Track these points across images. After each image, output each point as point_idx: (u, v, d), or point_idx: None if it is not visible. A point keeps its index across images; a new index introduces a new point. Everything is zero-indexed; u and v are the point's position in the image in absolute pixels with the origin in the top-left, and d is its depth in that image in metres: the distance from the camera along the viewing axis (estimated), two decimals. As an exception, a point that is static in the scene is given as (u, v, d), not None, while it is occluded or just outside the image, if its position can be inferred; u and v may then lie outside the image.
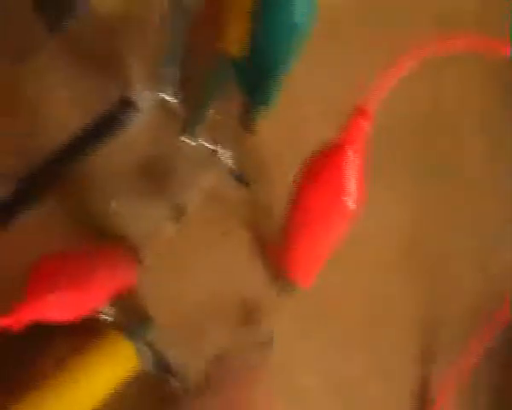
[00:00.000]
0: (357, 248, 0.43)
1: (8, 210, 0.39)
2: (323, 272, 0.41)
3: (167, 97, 0.43)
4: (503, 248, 0.48)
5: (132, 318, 0.41)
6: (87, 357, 0.38)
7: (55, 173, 0.41)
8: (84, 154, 0.41)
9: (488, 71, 0.48)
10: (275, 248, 0.43)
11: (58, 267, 0.35)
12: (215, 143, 0.43)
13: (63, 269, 0.35)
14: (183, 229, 0.43)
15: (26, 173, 0.40)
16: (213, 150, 0.43)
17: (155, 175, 0.44)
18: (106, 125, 0.41)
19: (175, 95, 0.43)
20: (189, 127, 0.43)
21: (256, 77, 0.40)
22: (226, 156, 0.43)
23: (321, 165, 0.35)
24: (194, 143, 0.43)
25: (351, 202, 0.35)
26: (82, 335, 0.39)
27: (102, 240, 0.42)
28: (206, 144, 0.43)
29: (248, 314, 0.44)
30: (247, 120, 0.43)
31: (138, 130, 0.43)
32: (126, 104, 0.41)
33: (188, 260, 0.43)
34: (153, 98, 0.43)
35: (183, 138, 0.43)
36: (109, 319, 0.40)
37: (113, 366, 0.39)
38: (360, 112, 0.33)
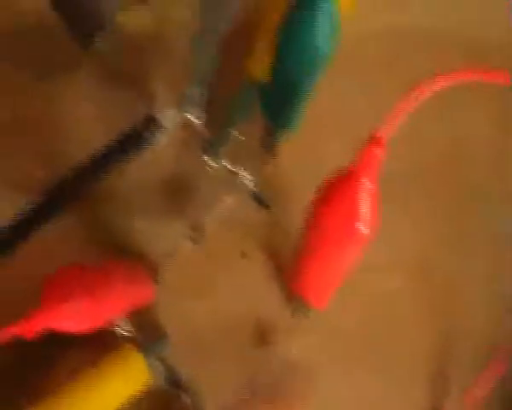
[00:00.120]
0: (370, 273, 0.43)
1: (30, 224, 0.40)
2: (336, 295, 0.41)
3: (192, 117, 0.43)
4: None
5: (148, 333, 0.42)
6: (100, 369, 0.39)
7: (78, 188, 0.42)
8: (107, 170, 0.42)
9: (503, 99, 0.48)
10: (290, 270, 0.43)
11: (74, 278, 0.36)
12: (237, 164, 0.44)
13: (79, 280, 0.36)
14: (201, 248, 0.44)
15: (49, 187, 0.40)
16: (235, 172, 0.44)
17: (176, 194, 0.45)
18: (129, 143, 0.42)
19: (200, 115, 0.43)
20: (211, 148, 0.44)
21: (278, 101, 0.41)
22: (247, 178, 0.44)
23: (335, 190, 0.35)
24: (216, 164, 0.44)
25: (363, 228, 0.35)
26: (96, 347, 0.40)
27: (122, 255, 0.43)
28: (228, 166, 0.44)
29: (263, 335, 0.44)
30: (269, 143, 0.44)
31: (162, 148, 0.44)
32: (151, 122, 0.42)
33: (205, 280, 0.44)
34: (178, 117, 0.43)
35: (205, 159, 0.44)
36: (124, 333, 0.41)
37: (126, 379, 0.39)
38: (374, 140, 0.33)
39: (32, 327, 0.33)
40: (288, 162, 0.45)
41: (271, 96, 0.41)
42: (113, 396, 0.39)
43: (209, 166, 0.44)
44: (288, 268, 0.44)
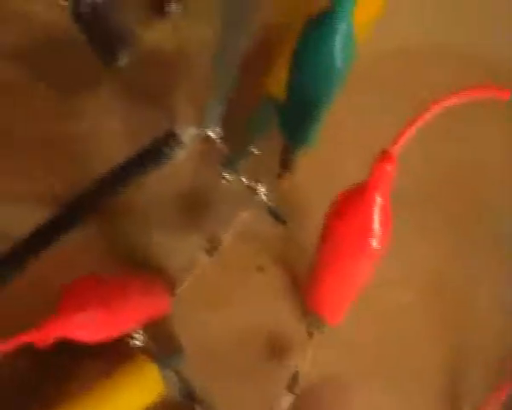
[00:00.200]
0: (383, 288, 0.43)
1: (48, 235, 0.41)
2: (350, 310, 0.41)
3: (211, 133, 0.44)
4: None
5: (163, 345, 0.42)
6: (114, 380, 0.39)
7: (97, 201, 0.42)
8: (126, 183, 0.43)
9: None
10: (305, 285, 0.43)
11: (91, 288, 0.37)
12: (254, 179, 0.44)
13: (96, 290, 0.37)
14: (217, 262, 0.44)
15: (69, 200, 0.41)
16: (252, 187, 0.44)
17: (194, 208, 0.45)
18: (149, 157, 0.43)
19: (218, 131, 0.44)
20: (229, 163, 0.44)
21: (295, 117, 0.41)
22: (264, 193, 0.44)
23: (347, 205, 0.35)
24: (233, 179, 0.44)
25: (375, 243, 0.35)
26: (111, 358, 0.40)
27: (139, 268, 0.44)
28: (245, 181, 0.44)
29: (277, 349, 0.44)
30: (286, 159, 0.44)
31: (181, 162, 0.45)
32: (170, 137, 0.42)
33: (220, 293, 0.44)
34: (197, 133, 0.44)
35: (223, 173, 0.44)
36: (140, 344, 0.41)
37: (140, 390, 0.40)
38: (385, 156, 0.33)
39: (46, 335, 0.34)
40: (305, 178, 0.46)
41: (288, 112, 0.41)
42: (126, 407, 0.39)
43: (227, 180, 0.44)
44: (303, 283, 0.44)
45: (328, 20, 0.35)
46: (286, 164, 0.44)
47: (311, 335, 0.44)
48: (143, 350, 0.41)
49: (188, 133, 0.43)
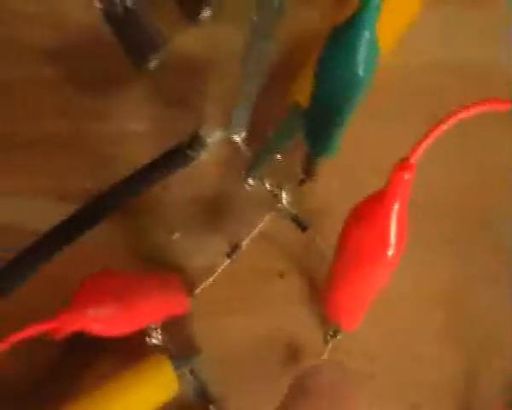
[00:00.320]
0: (397, 303, 0.44)
1: (70, 230, 0.41)
2: (363, 327, 0.42)
3: (236, 138, 0.45)
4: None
5: (180, 345, 0.43)
6: (129, 376, 0.40)
7: (120, 200, 0.43)
8: (149, 184, 0.43)
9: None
10: (323, 292, 0.44)
11: (108, 283, 0.37)
12: (276, 185, 0.45)
13: (112, 285, 0.37)
14: (237, 266, 0.45)
15: (92, 198, 0.42)
16: (274, 192, 0.45)
17: (216, 210, 0.46)
18: (173, 159, 0.43)
19: (243, 136, 0.45)
20: (253, 168, 0.45)
21: (317, 126, 0.41)
22: (286, 199, 0.44)
23: (365, 213, 0.36)
24: (256, 184, 0.45)
25: (392, 251, 0.35)
26: (128, 355, 0.41)
27: (158, 266, 0.45)
28: (268, 186, 0.45)
29: (295, 355, 0.44)
30: (308, 167, 0.44)
31: (205, 165, 0.45)
32: (196, 140, 0.43)
33: (239, 297, 0.45)
34: (222, 137, 0.44)
35: (246, 178, 0.45)
36: (157, 342, 0.42)
37: (155, 387, 0.40)
38: (403, 165, 0.33)
39: (61, 326, 0.34)
40: (326, 184, 0.46)
41: (311, 120, 0.42)
42: (140, 404, 0.40)
43: (250, 185, 0.45)
44: (321, 289, 0.44)
45: (351, 29, 0.35)
46: (308, 171, 0.45)
47: (326, 341, 0.44)
48: (160, 349, 0.42)
49: (213, 137, 0.44)
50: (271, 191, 0.45)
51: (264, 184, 0.45)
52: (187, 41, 0.48)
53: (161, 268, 0.45)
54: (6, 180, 0.46)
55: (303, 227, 0.45)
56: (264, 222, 0.45)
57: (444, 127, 0.33)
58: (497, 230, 0.47)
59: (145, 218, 0.46)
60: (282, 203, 0.45)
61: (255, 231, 0.44)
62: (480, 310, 0.46)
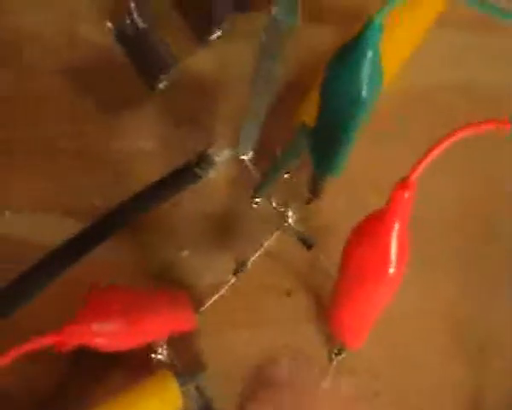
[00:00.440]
0: (398, 325, 0.45)
1: (77, 247, 0.42)
2: (367, 344, 0.42)
3: (244, 157, 0.45)
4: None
5: (186, 361, 0.43)
6: (134, 392, 0.40)
7: (128, 217, 0.44)
8: (157, 200, 0.44)
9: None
10: (327, 310, 0.44)
11: (114, 298, 0.38)
12: (283, 204, 0.45)
13: (118, 300, 0.38)
14: (244, 283, 0.45)
15: (100, 214, 0.43)
16: (281, 211, 0.45)
17: (223, 228, 0.46)
18: (181, 177, 0.44)
19: (251, 155, 0.45)
20: (260, 187, 0.45)
21: (322, 145, 0.42)
22: (292, 218, 0.45)
23: (366, 232, 0.36)
24: (263, 202, 0.45)
25: (394, 270, 0.35)
26: (134, 370, 0.41)
27: (166, 283, 0.45)
28: (275, 205, 0.45)
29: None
30: (314, 186, 0.45)
31: (213, 184, 0.46)
32: (204, 159, 0.44)
33: (245, 314, 0.45)
34: (230, 156, 0.45)
35: (253, 196, 0.45)
36: (162, 358, 0.42)
37: (159, 404, 0.41)
38: (404, 183, 0.34)
39: (65, 340, 0.35)
40: (332, 203, 0.46)
41: (316, 140, 0.42)
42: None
43: (257, 203, 0.45)
44: (326, 308, 0.45)
45: (355, 48, 0.36)
46: (314, 190, 0.45)
47: (331, 359, 0.44)
48: (166, 365, 0.42)
49: (221, 156, 0.45)
50: (278, 209, 0.45)
51: (271, 203, 0.45)
52: (197, 61, 0.49)
53: (169, 285, 0.45)
54: (14, 195, 0.47)
55: (308, 245, 0.45)
56: (271, 240, 0.45)
57: (443, 146, 0.33)
58: (503, 243, 0.47)
59: (154, 235, 0.46)
60: (288, 221, 0.45)
61: (262, 249, 0.45)
62: (487, 328, 0.46)
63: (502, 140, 0.44)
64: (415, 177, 0.34)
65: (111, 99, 0.49)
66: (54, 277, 0.41)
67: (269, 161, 0.45)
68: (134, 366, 0.42)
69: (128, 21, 0.47)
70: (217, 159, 0.44)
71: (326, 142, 0.41)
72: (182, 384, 0.41)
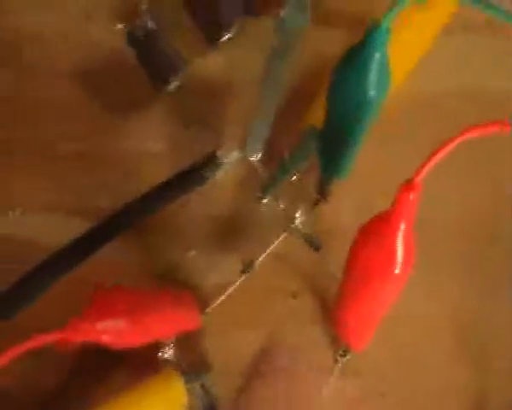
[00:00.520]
0: (404, 326, 0.45)
1: (83, 247, 0.42)
2: (372, 346, 0.42)
3: (252, 158, 0.45)
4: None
5: (191, 360, 0.44)
6: (139, 390, 0.40)
7: (134, 218, 0.44)
8: (164, 201, 0.44)
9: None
10: (332, 312, 0.44)
11: (119, 297, 0.38)
12: (291, 205, 0.45)
13: (123, 299, 0.38)
14: (250, 284, 0.45)
15: (106, 215, 0.43)
16: (288, 213, 0.45)
17: (230, 229, 0.47)
18: (189, 177, 0.44)
19: (260, 156, 0.45)
20: (268, 188, 0.45)
21: (330, 147, 0.42)
22: (299, 220, 0.45)
23: (371, 233, 0.36)
24: (270, 204, 0.45)
25: (399, 271, 0.36)
26: (139, 369, 0.42)
27: (172, 283, 0.45)
28: (283, 206, 0.45)
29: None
30: (322, 188, 0.45)
31: (221, 185, 0.46)
32: (211, 160, 0.44)
33: (251, 315, 0.46)
34: (238, 158, 0.45)
35: (261, 198, 0.45)
36: (168, 357, 0.42)
37: (164, 403, 0.41)
38: (409, 185, 0.34)
39: (69, 337, 0.35)
40: (339, 205, 0.46)
41: (324, 142, 0.42)
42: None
43: (264, 205, 0.45)
44: (331, 309, 0.45)
45: (362, 50, 0.36)
46: (322, 192, 0.45)
47: (336, 360, 0.44)
48: (171, 363, 0.42)
49: (229, 157, 0.45)
50: (285, 211, 0.45)
51: (278, 204, 0.45)
52: (206, 63, 0.49)
53: (175, 285, 0.46)
54: (17, 196, 0.48)
55: (315, 247, 0.45)
56: (278, 242, 0.45)
57: (448, 149, 0.33)
58: (507, 245, 0.47)
59: (160, 235, 0.46)
60: (295, 223, 0.45)
61: (268, 251, 0.45)
62: (491, 329, 0.46)
63: (506, 143, 0.45)
64: (419, 179, 0.34)
65: (118, 100, 0.49)
66: (58, 277, 0.42)
67: (276, 164, 0.46)
68: (139, 364, 0.42)
69: (139, 23, 0.47)
70: (224, 160, 0.44)
71: (333, 144, 0.41)
72: (187, 383, 0.41)
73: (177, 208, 0.46)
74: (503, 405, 0.45)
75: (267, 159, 0.46)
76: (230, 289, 0.45)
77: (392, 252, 0.35)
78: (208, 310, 0.45)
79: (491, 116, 0.48)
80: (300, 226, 0.45)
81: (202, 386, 0.43)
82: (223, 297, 0.45)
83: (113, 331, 0.36)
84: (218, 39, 0.49)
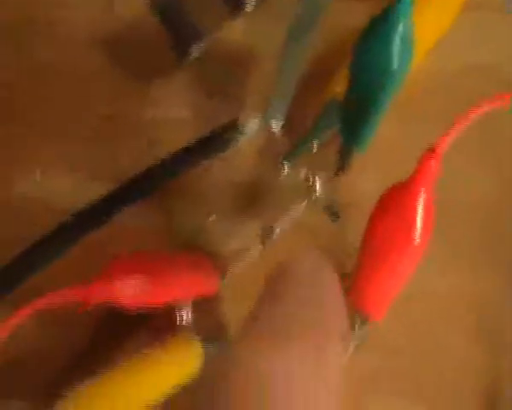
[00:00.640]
0: (418, 302, 0.45)
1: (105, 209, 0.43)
2: (389, 321, 0.42)
3: (274, 126, 0.46)
4: None
5: (209, 325, 0.44)
6: (157, 352, 0.41)
7: (156, 181, 0.44)
8: (186, 166, 0.44)
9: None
10: (350, 281, 0.44)
11: (138, 259, 0.39)
12: (311, 174, 0.45)
13: (143, 261, 0.39)
14: (267, 253, 0.45)
15: (128, 178, 0.43)
16: (309, 181, 0.45)
17: (250, 196, 0.47)
18: (211, 143, 0.44)
19: (281, 125, 0.46)
20: (289, 157, 0.45)
21: (352, 118, 0.42)
22: (320, 189, 0.45)
23: (392, 201, 0.36)
24: (291, 173, 0.45)
25: (419, 239, 0.36)
26: (159, 332, 0.42)
27: (191, 247, 0.46)
28: (303, 174, 0.45)
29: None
30: (342, 160, 0.45)
31: (242, 152, 0.46)
32: (233, 127, 0.44)
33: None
34: (260, 125, 0.45)
35: (281, 167, 0.46)
36: (186, 322, 0.43)
37: (181, 364, 0.41)
38: (430, 153, 0.34)
39: (89, 295, 0.35)
40: (359, 178, 0.46)
41: (345, 112, 0.42)
42: (166, 380, 0.41)
43: (285, 173, 0.46)
44: (349, 279, 0.45)
45: (385, 21, 0.36)
46: (342, 164, 0.45)
47: (353, 331, 0.44)
48: (190, 328, 0.43)
49: (251, 124, 0.45)
50: (305, 181, 0.45)
51: (298, 174, 0.45)
52: (230, 32, 0.49)
53: (195, 250, 0.46)
54: (41, 158, 0.48)
55: (334, 217, 0.46)
56: (297, 210, 0.45)
57: (470, 119, 0.34)
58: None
59: (181, 201, 0.47)
60: (315, 193, 0.45)
61: (287, 219, 0.45)
62: (510, 311, 0.46)
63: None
64: (442, 147, 0.34)
65: (142, 68, 0.49)
66: (77, 240, 0.42)
67: (298, 134, 0.46)
68: (158, 328, 0.42)
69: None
70: (246, 127, 0.45)
71: (355, 115, 0.41)
72: (204, 347, 0.41)
73: (200, 174, 0.46)
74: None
75: (289, 128, 0.46)
76: (249, 256, 0.45)
77: (413, 220, 0.36)
78: (227, 276, 0.45)
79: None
80: (320, 196, 0.45)
81: (219, 350, 0.43)
82: (242, 263, 0.45)
83: (131, 293, 0.37)
84: (242, 8, 0.49)
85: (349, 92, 0.41)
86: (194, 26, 0.48)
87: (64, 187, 0.47)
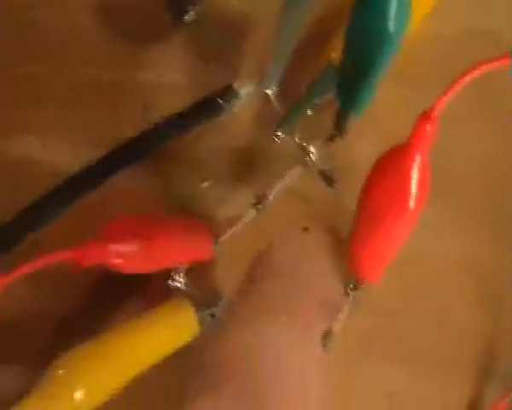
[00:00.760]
0: (414, 266, 0.45)
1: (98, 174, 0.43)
2: (385, 283, 0.42)
3: (269, 92, 0.45)
4: None
5: (202, 290, 0.44)
6: (151, 316, 0.41)
7: (150, 145, 0.44)
8: (180, 131, 0.44)
9: None
10: (346, 246, 0.44)
11: (132, 222, 0.38)
12: (306, 140, 0.45)
13: (136, 225, 0.38)
14: (262, 218, 0.45)
15: (121, 142, 0.43)
16: (304, 147, 0.45)
17: (245, 163, 0.47)
18: (205, 108, 0.44)
19: (276, 90, 0.45)
20: (283, 122, 0.45)
21: (348, 81, 0.41)
22: (315, 154, 0.45)
23: (387, 165, 0.36)
24: (286, 138, 0.45)
25: (414, 204, 0.36)
26: (154, 296, 0.42)
27: (185, 212, 0.46)
28: (298, 140, 0.45)
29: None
30: (338, 124, 0.45)
31: (237, 118, 0.46)
32: (228, 91, 0.44)
33: (262, 247, 0.45)
34: (255, 90, 0.45)
35: (276, 131, 0.45)
36: (180, 286, 0.43)
37: (175, 329, 0.41)
38: (426, 116, 0.34)
39: (82, 256, 0.35)
40: (355, 143, 0.46)
41: (342, 76, 0.42)
42: (160, 344, 0.41)
43: (279, 138, 0.45)
44: (344, 244, 0.45)
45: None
46: (338, 128, 0.45)
47: (347, 294, 0.44)
48: (183, 292, 0.43)
49: (245, 89, 0.45)
50: (301, 146, 0.45)
51: (294, 139, 0.45)
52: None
53: (189, 214, 0.46)
54: (42, 122, 0.48)
55: (330, 182, 0.45)
56: (292, 175, 0.45)
57: (466, 81, 0.33)
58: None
59: (177, 164, 0.47)
60: (310, 158, 0.45)
61: (282, 184, 0.45)
62: (510, 275, 0.46)
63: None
64: (437, 111, 0.34)
65: (139, 30, 0.49)
66: (73, 201, 0.42)
67: (293, 98, 0.45)
68: (153, 292, 0.42)
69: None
70: (241, 92, 0.44)
71: (352, 79, 0.41)
72: (197, 312, 0.42)
73: (195, 139, 0.46)
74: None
75: (284, 93, 0.45)
76: (243, 222, 0.45)
77: (408, 184, 0.35)
78: (220, 241, 0.45)
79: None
80: (315, 161, 0.45)
81: (213, 316, 0.43)
82: (235, 229, 0.45)
83: (125, 254, 0.37)
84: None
85: (346, 56, 0.40)
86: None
87: (61, 150, 0.47)
